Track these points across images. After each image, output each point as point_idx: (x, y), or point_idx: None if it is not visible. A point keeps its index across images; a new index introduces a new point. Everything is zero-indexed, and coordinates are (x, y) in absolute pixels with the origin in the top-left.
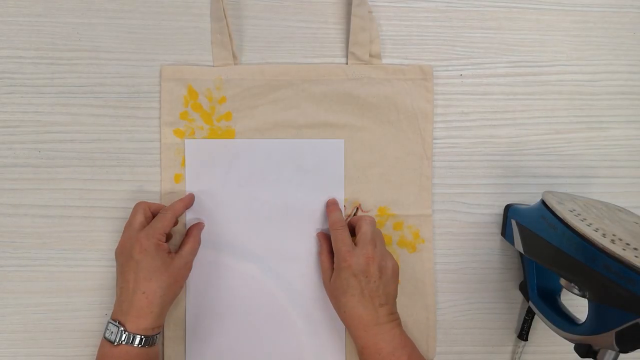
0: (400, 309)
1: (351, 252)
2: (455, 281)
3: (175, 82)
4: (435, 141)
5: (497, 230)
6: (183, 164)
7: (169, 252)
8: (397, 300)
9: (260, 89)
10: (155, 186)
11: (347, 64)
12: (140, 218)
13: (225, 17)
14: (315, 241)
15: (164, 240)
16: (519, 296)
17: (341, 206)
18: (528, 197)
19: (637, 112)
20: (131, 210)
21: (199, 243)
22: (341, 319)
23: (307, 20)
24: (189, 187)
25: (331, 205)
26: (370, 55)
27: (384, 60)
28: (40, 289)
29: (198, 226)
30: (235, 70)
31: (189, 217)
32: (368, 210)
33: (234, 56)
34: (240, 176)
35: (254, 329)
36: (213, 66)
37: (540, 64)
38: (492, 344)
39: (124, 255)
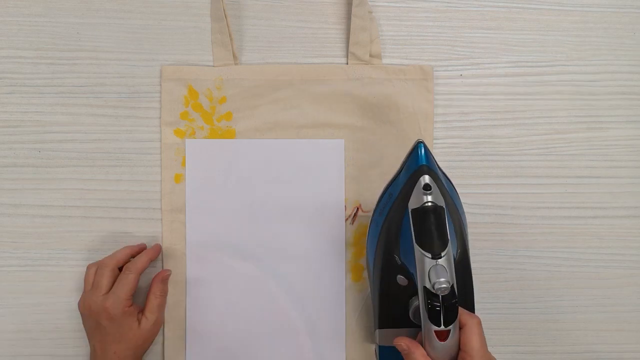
0: None
1: (489, 354)
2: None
3: (175, 82)
4: (435, 141)
5: (497, 230)
6: (183, 163)
7: (138, 312)
8: None
9: (261, 89)
10: (155, 186)
11: (347, 64)
12: (106, 282)
13: (225, 17)
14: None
15: (130, 304)
16: (519, 296)
17: (341, 206)
18: (528, 197)
19: (637, 112)
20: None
21: (165, 294)
22: None
23: (307, 20)
24: (189, 186)
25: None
26: (371, 55)
27: (384, 61)
28: (40, 289)
29: (161, 277)
30: (235, 70)
31: (190, 217)
32: (368, 210)
33: (234, 56)
34: (240, 176)
35: (254, 329)
36: (213, 66)
37: (540, 64)
38: (492, 344)
39: (91, 319)
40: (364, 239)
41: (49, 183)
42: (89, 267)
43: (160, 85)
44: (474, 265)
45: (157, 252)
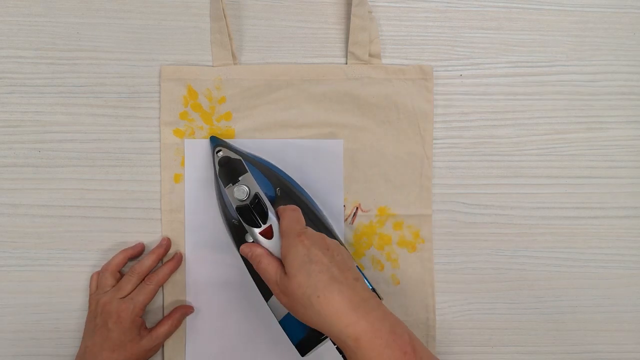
0: (399, 309)
1: (305, 228)
2: (455, 281)
3: (175, 82)
4: (435, 141)
5: (497, 230)
6: (183, 163)
7: (144, 328)
8: (396, 300)
9: (260, 89)
10: (154, 186)
11: (346, 63)
12: (130, 288)
13: (224, 16)
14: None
15: (141, 314)
16: (519, 296)
17: (341, 206)
18: (528, 197)
19: (637, 112)
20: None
21: (177, 327)
22: (314, 320)
23: (307, 20)
24: (189, 187)
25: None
26: (370, 55)
27: (384, 61)
28: (40, 289)
29: (184, 310)
30: (234, 70)
31: (189, 216)
32: (368, 210)
33: (234, 56)
34: None
35: (254, 329)
36: (213, 66)
37: (540, 64)
38: (492, 344)
39: (99, 318)
40: (363, 238)
41: (49, 183)
42: (92, 276)
43: (160, 85)
44: (474, 265)
45: (179, 262)
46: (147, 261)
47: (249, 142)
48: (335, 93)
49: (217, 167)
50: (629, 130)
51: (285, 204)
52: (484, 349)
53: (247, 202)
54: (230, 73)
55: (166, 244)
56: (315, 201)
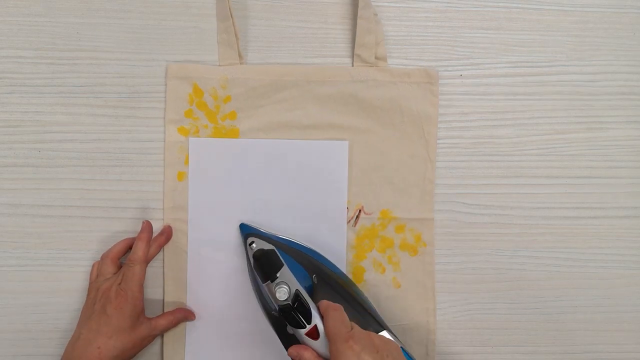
0: (400, 313)
1: (352, 332)
2: (454, 281)
3: (180, 80)
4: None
5: (497, 230)
6: (186, 161)
7: (143, 315)
8: (396, 303)
9: (266, 89)
10: (155, 186)
11: (352, 65)
12: (140, 272)
13: (231, 16)
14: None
15: (142, 298)
16: (519, 296)
17: (344, 208)
18: (528, 197)
19: (637, 112)
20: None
21: (176, 325)
22: None
23: (307, 21)
24: (192, 185)
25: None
26: (376, 58)
27: None
28: (40, 289)
29: (186, 313)
30: (240, 69)
31: (192, 215)
32: (371, 213)
33: (240, 56)
34: (243, 176)
35: (254, 329)
36: (219, 65)
37: (540, 64)
38: (492, 344)
39: (98, 304)
40: (365, 241)
41: (49, 183)
42: (93, 264)
43: (165, 83)
44: (474, 265)
45: (169, 236)
46: (149, 249)
47: (252, 142)
48: (340, 95)
49: (252, 261)
50: (629, 130)
51: (325, 291)
52: (484, 349)
53: (289, 302)
54: (236, 72)
55: (168, 232)
56: (349, 277)
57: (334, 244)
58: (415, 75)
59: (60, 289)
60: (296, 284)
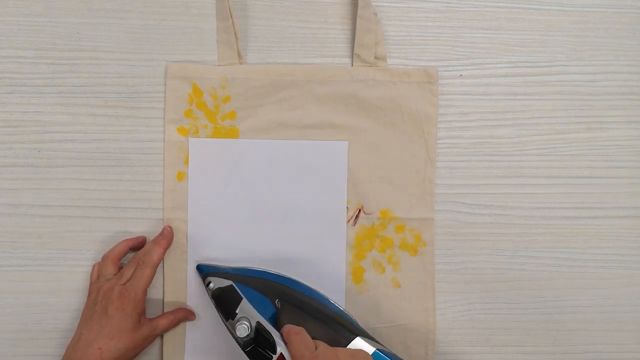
0: (400, 313)
1: (316, 353)
2: (455, 281)
3: (180, 80)
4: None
5: (497, 230)
6: (186, 162)
7: (144, 316)
8: (396, 303)
9: (265, 89)
10: (155, 186)
11: (352, 65)
12: (131, 271)
13: (231, 16)
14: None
15: (143, 300)
16: (519, 296)
17: (343, 208)
18: (528, 197)
19: (637, 112)
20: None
21: (176, 325)
22: None
23: (307, 20)
24: (192, 185)
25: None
26: (376, 57)
27: None
28: (40, 289)
29: (186, 313)
30: (240, 69)
31: (192, 215)
32: (370, 213)
33: (240, 55)
34: (243, 176)
35: None
36: (218, 65)
37: (540, 64)
38: (492, 344)
39: (99, 305)
40: (365, 241)
41: (49, 183)
42: (94, 265)
43: (165, 83)
44: (474, 265)
45: (170, 239)
46: (154, 254)
47: (252, 142)
48: (340, 94)
49: (213, 302)
50: (629, 130)
51: (290, 313)
52: (484, 349)
53: (251, 336)
54: (235, 72)
55: (168, 232)
56: (314, 288)
57: (333, 244)
58: (415, 75)
59: (60, 289)
60: (257, 316)
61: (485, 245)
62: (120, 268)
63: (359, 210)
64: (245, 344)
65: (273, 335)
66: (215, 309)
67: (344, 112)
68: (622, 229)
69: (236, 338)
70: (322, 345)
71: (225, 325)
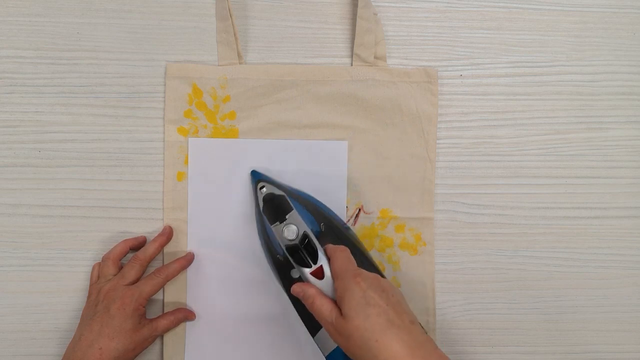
0: None
1: (360, 270)
2: (455, 281)
3: (180, 80)
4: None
5: (497, 230)
6: (186, 162)
7: (144, 317)
8: None
9: (265, 89)
10: (155, 186)
11: (352, 65)
12: (134, 275)
13: (230, 16)
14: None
15: (145, 304)
16: (519, 296)
17: (343, 208)
18: (528, 197)
19: (637, 112)
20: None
21: (176, 326)
22: None
23: (307, 21)
24: (192, 185)
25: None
26: (376, 57)
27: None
28: (40, 289)
29: (186, 313)
30: (240, 69)
31: (192, 215)
32: (370, 212)
33: (239, 55)
34: (243, 176)
35: (254, 330)
36: (218, 65)
37: (540, 64)
38: (492, 344)
39: (101, 305)
40: (365, 240)
41: (49, 183)
42: (94, 266)
43: (165, 83)
44: (474, 265)
45: (190, 261)
46: (149, 249)
47: (252, 142)
48: (339, 94)
49: (262, 204)
50: (629, 130)
51: (330, 239)
52: (484, 349)
53: (297, 241)
54: (235, 72)
55: (168, 232)
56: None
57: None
58: (414, 74)
59: (60, 289)
60: (304, 226)
61: (485, 245)
62: (121, 268)
63: (359, 210)
64: (288, 247)
65: (317, 247)
66: (257, 215)
67: (344, 112)
68: (622, 229)
69: (280, 240)
70: (364, 270)
71: (266, 230)
